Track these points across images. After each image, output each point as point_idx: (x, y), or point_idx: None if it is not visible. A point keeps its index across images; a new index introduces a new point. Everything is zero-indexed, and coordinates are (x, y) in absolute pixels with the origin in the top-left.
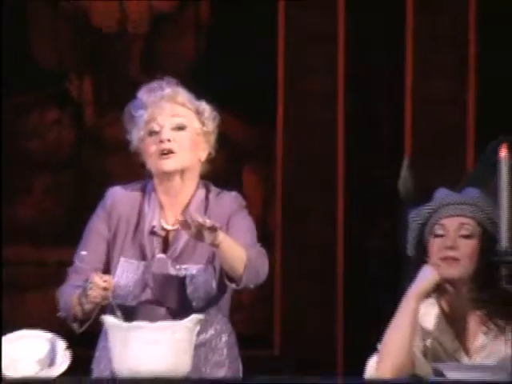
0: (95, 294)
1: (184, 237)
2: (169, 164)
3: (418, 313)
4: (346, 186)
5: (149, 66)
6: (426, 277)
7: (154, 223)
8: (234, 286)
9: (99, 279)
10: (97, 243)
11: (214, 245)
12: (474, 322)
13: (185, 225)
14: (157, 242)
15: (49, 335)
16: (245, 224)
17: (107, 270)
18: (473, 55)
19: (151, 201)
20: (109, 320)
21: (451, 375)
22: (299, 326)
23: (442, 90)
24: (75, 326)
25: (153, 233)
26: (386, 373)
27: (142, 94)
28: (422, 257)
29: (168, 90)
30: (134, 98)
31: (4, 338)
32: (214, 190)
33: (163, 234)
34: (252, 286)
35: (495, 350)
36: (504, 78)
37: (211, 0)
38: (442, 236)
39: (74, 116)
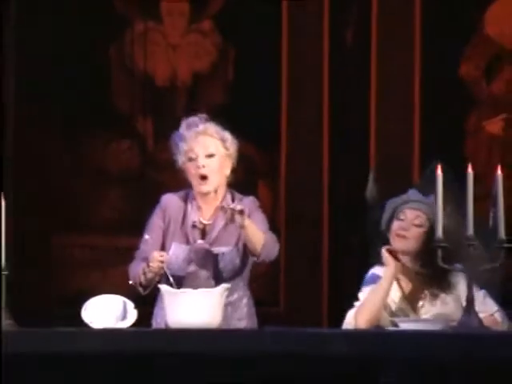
0: (155, 265)
1: (217, 228)
2: (205, 188)
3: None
4: (330, 195)
5: (191, 109)
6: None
7: (195, 220)
8: (255, 259)
9: (157, 254)
10: (155, 232)
11: (242, 226)
12: (418, 289)
13: (223, 210)
14: (197, 233)
15: (122, 298)
16: (260, 217)
17: (162, 250)
18: (418, 101)
19: (192, 205)
20: (164, 287)
21: (403, 326)
22: (298, 292)
23: (398, 126)
24: (141, 290)
25: (194, 226)
26: (362, 323)
27: (183, 130)
28: (387, 232)
29: (201, 127)
30: (177, 131)
31: (91, 300)
32: (237, 195)
33: (201, 226)
34: (267, 261)
35: (431, 309)
36: (443, 116)
37: (234, 63)
38: (401, 220)
39: (139, 145)
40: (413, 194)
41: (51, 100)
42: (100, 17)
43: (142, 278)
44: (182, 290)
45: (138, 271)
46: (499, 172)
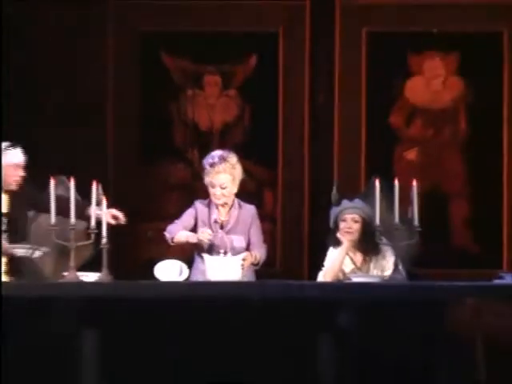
0: (204, 238)
1: (230, 223)
2: (219, 202)
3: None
4: (310, 197)
5: (221, 145)
6: (344, 243)
7: (216, 217)
8: (255, 267)
9: (207, 232)
10: (189, 216)
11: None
12: (361, 257)
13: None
14: (217, 226)
15: (179, 262)
16: (259, 231)
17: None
18: (364, 139)
19: (213, 209)
20: (206, 255)
21: (354, 279)
22: (289, 257)
23: (352, 156)
24: (171, 242)
25: (216, 222)
26: (328, 280)
27: (208, 165)
28: (336, 229)
29: (221, 167)
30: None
31: (160, 263)
32: (242, 203)
33: (220, 221)
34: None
35: (370, 268)
36: (380, 148)
37: (250, 115)
38: (345, 221)
39: (190, 167)
40: (346, 203)
41: (136, 137)
42: (164, 85)
43: (184, 238)
44: (216, 256)
45: (176, 230)
46: (414, 183)
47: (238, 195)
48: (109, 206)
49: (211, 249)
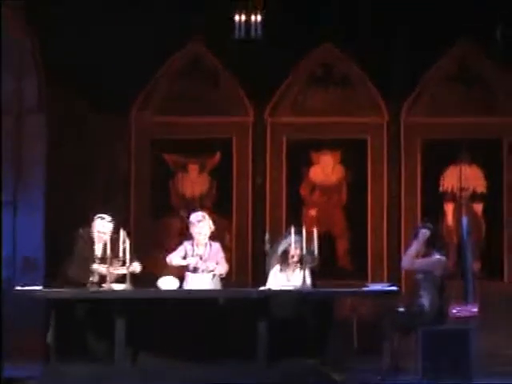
0: (191, 263)
1: (205, 255)
2: (200, 242)
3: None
4: (252, 236)
5: (199, 208)
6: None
7: (197, 253)
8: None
9: (193, 259)
10: (181, 250)
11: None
12: (292, 271)
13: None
14: (198, 256)
15: (172, 277)
16: (221, 255)
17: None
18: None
19: (195, 246)
20: (188, 273)
21: (280, 288)
22: (240, 273)
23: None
24: (170, 264)
25: (197, 255)
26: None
27: (197, 222)
28: (285, 255)
29: (203, 221)
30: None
31: (162, 278)
32: (212, 242)
33: (199, 254)
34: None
35: (295, 277)
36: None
37: (217, 188)
38: (291, 249)
39: (182, 221)
40: (289, 237)
41: (148, 202)
42: (165, 171)
43: (179, 262)
44: (196, 274)
45: (173, 257)
46: (315, 230)
47: (212, 236)
48: (130, 245)
49: (195, 270)
